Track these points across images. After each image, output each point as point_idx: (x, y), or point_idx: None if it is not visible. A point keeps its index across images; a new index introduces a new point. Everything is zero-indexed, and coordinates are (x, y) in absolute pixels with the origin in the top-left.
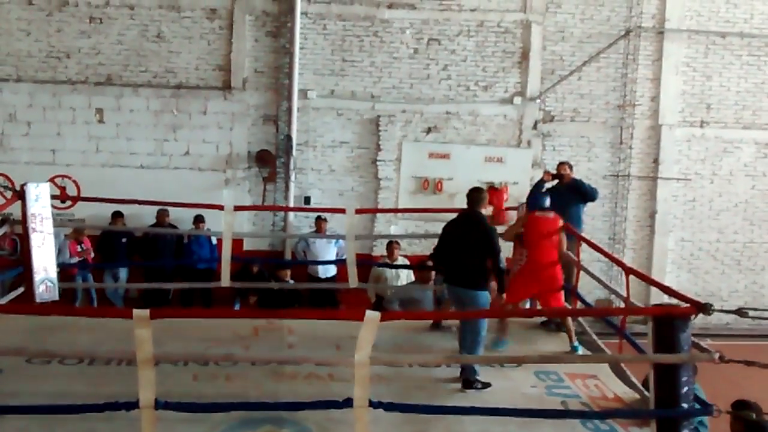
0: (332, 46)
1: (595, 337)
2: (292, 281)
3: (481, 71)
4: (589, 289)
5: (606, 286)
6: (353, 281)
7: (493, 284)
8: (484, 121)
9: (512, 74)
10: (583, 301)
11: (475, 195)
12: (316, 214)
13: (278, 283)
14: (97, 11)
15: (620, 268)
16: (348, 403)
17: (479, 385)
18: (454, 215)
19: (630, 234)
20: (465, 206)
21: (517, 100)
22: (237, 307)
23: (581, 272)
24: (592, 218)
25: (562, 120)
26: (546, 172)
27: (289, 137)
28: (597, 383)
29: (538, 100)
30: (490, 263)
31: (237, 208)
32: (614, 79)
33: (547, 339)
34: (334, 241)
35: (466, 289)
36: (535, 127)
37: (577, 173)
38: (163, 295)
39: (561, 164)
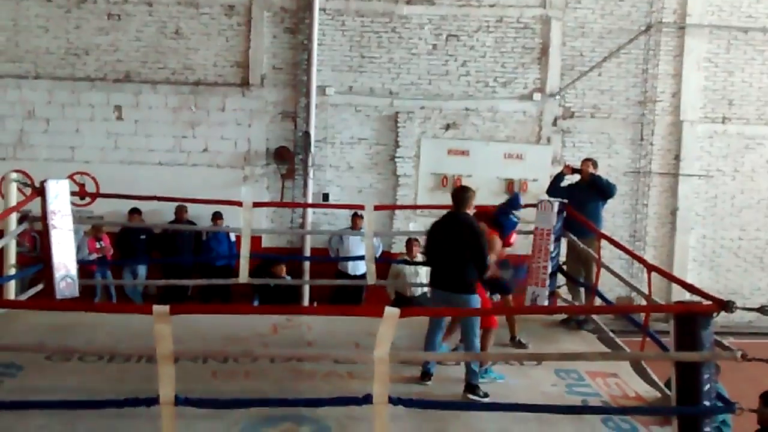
0: (350, 43)
1: (613, 335)
2: (288, 277)
3: (501, 67)
4: (609, 287)
5: (627, 284)
6: (371, 278)
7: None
8: (503, 118)
9: (532, 70)
10: (603, 298)
11: (461, 195)
12: (333, 211)
13: (295, 279)
14: (116, 8)
15: (641, 266)
16: (367, 399)
17: (481, 393)
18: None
19: (651, 231)
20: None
21: (537, 96)
22: (256, 303)
23: (602, 270)
24: (613, 215)
25: (582, 116)
26: (566, 166)
27: (307, 134)
28: (618, 382)
29: (557, 96)
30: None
31: (256, 205)
32: (635, 74)
33: (567, 337)
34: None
35: (456, 293)
36: (554, 123)
37: (598, 170)
38: (182, 291)
39: (585, 161)
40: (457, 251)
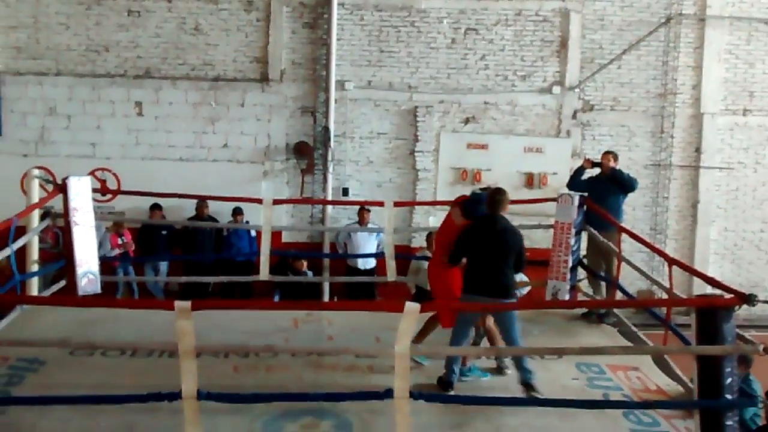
0: (369, 37)
1: (634, 328)
2: (309, 273)
3: (520, 60)
4: (630, 280)
5: (648, 277)
6: (392, 275)
7: None
8: (522, 111)
9: (551, 63)
10: (624, 292)
11: (498, 198)
12: (354, 206)
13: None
14: (135, 4)
15: (662, 259)
16: (388, 394)
17: (537, 389)
18: None
19: (672, 224)
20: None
21: (556, 89)
22: (277, 298)
23: (623, 263)
24: (633, 209)
25: (602, 109)
26: (586, 160)
27: (326, 129)
28: (639, 375)
29: (577, 90)
30: None
31: (276, 202)
32: (655, 67)
33: (588, 331)
34: (375, 233)
35: (500, 298)
36: (574, 116)
37: (618, 163)
38: (204, 288)
39: (605, 154)
40: (500, 256)
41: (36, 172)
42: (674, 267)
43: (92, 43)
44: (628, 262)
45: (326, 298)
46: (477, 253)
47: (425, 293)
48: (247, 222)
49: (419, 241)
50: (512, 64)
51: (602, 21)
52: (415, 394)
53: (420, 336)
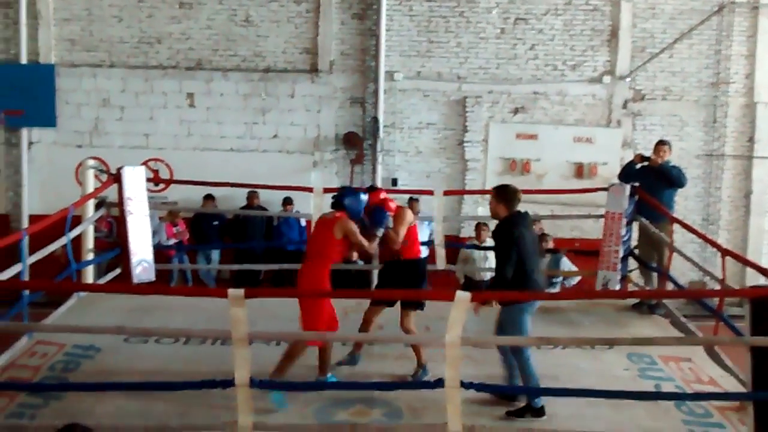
0: (418, 27)
1: (684, 319)
2: (360, 262)
3: (569, 50)
4: (682, 271)
5: (700, 268)
6: (441, 263)
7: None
8: (572, 101)
9: (601, 52)
10: (676, 283)
11: (519, 195)
12: (401, 196)
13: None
14: None
15: (714, 250)
16: (439, 383)
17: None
18: (541, 196)
19: (724, 215)
20: (506, 202)
21: (607, 78)
22: None
23: (674, 254)
24: (685, 199)
25: (653, 99)
26: (636, 155)
27: (375, 119)
28: (691, 366)
29: (628, 79)
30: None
31: (326, 191)
32: (707, 56)
33: (639, 321)
34: (426, 222)
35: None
36: (625, 106)
37: (671, 153)
38: (254, 276)
39: (659, 144)
40: (537, 253)
41: (91, 162)
42: (727, 258)
43: (145, 35)
44: (680, 253)
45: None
46: (533, 251)
47: (474, 282)
48: (297, 211)
49: (468, 230)
50: (562, 54)
51: (653, 10)
52: (466, 383)
53: (282, 368)
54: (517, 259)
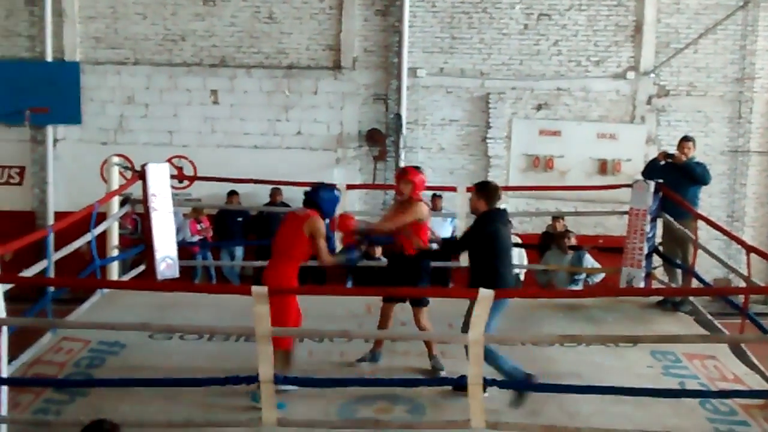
0: (441, 24)
1: (711, 317)
2: (383, 258)
3: (593, 46)
4: (706, 268)
5: (725, 265)
6: (465, 259)
7: None
8: (596, 97)
9: (625, 48)
10: (701, 280)
11: (500, 192)
12: (424, 193)
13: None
14: None
15: (739, 247)
16: (462, 380)
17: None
18: (565, 193)
19: (750, 212)
20: (485, 199)
21: (631, 74)
22: (350, 284)
23: (699, 251)
24: (710, 195)
25: (677, 94)
26: (660, 152)
27: (398, 116)
28: (716, 364)
29: (652, 75)
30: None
31: (349, 187)
32: (732, 51)
33: (663, 318)
34: (449, 218)
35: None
36: (649, 102)
37: (696, 149)
38: None
39: (683, 140)
40: (510, 248)
41: (115, 159)
42: (752, 255)
43: (169, 33)
44: (705, 250)
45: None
46: (508, 249)
47: None
48: None
49: None
50: (585, 50)
51: (678, 5)
52: (489, 380)
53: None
54: (490, 255)
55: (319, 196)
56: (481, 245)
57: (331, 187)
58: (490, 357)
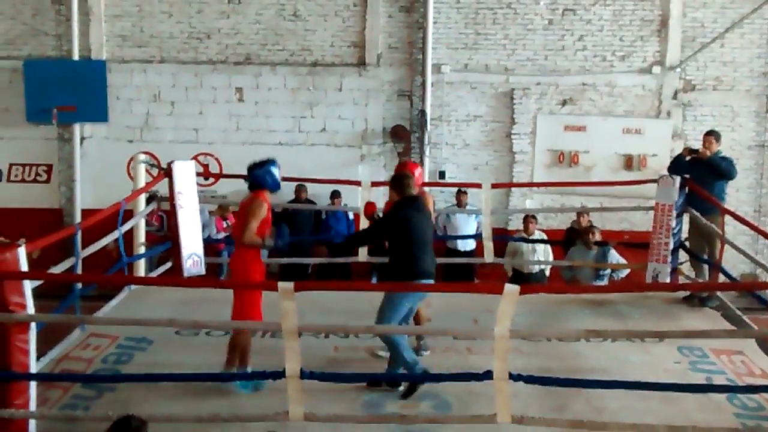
0: (465, 20)
1: (738, 312)
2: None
3: (618, 41)
4: (733, 263)
5: (752, 260)
6: (489, 256)
7: None
8: (621, 92)
9: (651, 43)
10: (727, 275)
11: (410, 181)
12: (449, 189)
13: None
14: None
15: (767, 242)
16: (488, 375)
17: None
18: (590, 188)
19: None
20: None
21: (656, 69)
22: (374, 280)
23: (726, 246)
24: (737, 190)
25: (703, 89)
26: (685, 148)
27: (423, 112)
28: (743, 359)
29: (678, 69)
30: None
31: (374, 184)
32: (759, 45)
33: (689, 314)
34: (474, 215)
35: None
36: (675, 96)
37: (721, 143)
38: (302, 269)
39: (707, 135)
40: (429, 235)
41: (142, 157)
42: None
43: (194, 31)
44: (732, 245)
45: None
46: (423, 235)
47: (523, 275)
48: (345, 205)
49: (516, 223)
50: (611, 45)
51: None
52: (515, 375)
53: (232, 361)
54: (406, 241)
55: (254, 175)
56: (395, 232)
57: (263, 162)
58: (392, 345)
